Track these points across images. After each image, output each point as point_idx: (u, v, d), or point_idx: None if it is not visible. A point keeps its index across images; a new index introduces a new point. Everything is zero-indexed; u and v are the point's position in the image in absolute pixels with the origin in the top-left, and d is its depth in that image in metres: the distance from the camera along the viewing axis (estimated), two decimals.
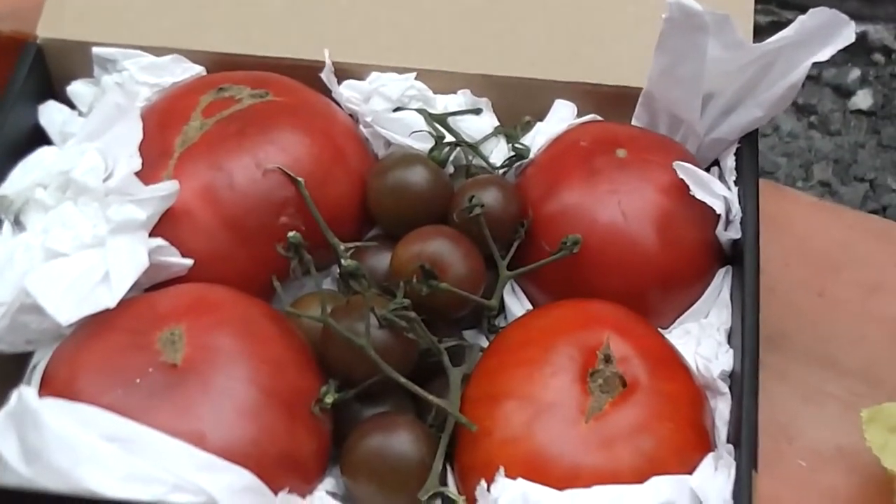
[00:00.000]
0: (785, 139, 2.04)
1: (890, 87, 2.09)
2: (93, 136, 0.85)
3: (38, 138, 0.90)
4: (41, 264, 0.79)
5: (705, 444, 0.77)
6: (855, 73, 2.09)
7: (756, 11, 0.87)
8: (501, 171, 0.89)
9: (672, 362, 0.79)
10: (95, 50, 0.92)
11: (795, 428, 0.84)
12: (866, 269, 0.92)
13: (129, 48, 0.92)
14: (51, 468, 0.72)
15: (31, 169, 0.85)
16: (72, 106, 0.93)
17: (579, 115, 0.91)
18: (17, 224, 0.83)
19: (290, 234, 0.80)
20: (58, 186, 0.83)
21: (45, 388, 0.76)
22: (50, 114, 0.92)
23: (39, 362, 0.79)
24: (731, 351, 0.81)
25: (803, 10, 1.99)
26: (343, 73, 0.91)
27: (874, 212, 1.96)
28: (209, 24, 0.93)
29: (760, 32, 0.85)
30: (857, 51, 2.11)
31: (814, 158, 2.02)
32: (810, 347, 0.88)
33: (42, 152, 0.87)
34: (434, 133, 0.89)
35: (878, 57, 2.11)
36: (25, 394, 0.74)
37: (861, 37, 2.09)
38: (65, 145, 0.87)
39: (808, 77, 2.04)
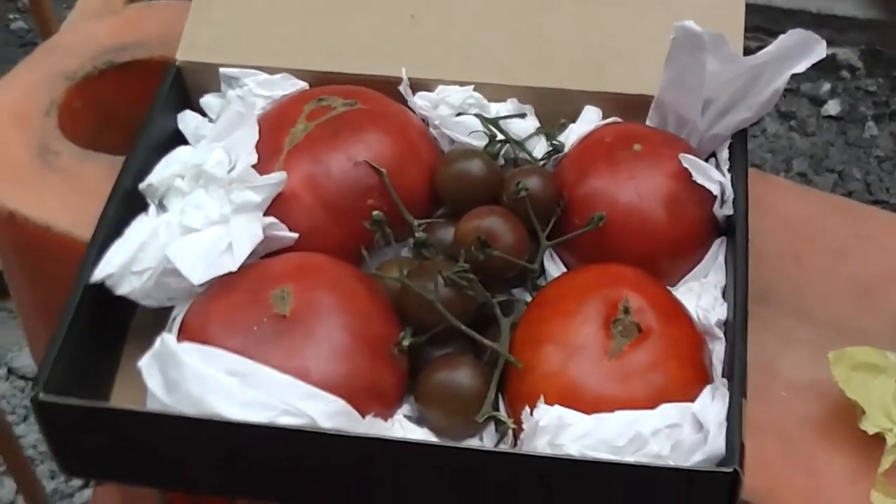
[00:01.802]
0: (770, 139, 2.02)
1: (855, 98, 2.06)
2: (220, 137, 0.85)
3: (177, 139, 0.90)
4: (179, 238, 0.79)
5: (704, 378, 0.75)
6: (826, 86, 2.07)
7: (747, 38, 0.85)
8: (542, 162, 0.88)
9: (678, 313, 0.78)
10: (222, 70, 0.91)
11: (778, 366, 0.82)
12: (834, 238, 0.90)
13: (248, 68, 0.91)
14: (187, 397, 0.72)
15: (172, 163, 0.84)
16: (204, 114, 0.92)
17: (604, 117, 0.89)
18: (161, 206, 0.83)
19: (375, 213, 0.79)
20: (192, 177, 0.83)
21: (183, 335, 0.76)
22: (186, 120, 0.91)
23: (178, 314, 0.79)
24: (725, 304, 0.80)
25: None
26: (416, 86, 0.90)
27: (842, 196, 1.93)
28: (311, 49, 0.92)
29: (749, 55, 0.84)
30: (828, 68, 2.08)
31: (793, 154, 2.00)
32: (790, 302, 0.86)
33: (180, 150, 0.86)
34: (488, 133, 0.87)
35: (845, 73, 2.09)
36: (167, 339, 0.74)
37: (832, 57, 2.08)
38: (198, 145, 0.87)
39: (789, 90, 2.03)
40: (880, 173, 1.97)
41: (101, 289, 0.79)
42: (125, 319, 0.83)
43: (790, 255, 0.89)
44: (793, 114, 2.04)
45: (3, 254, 0.98)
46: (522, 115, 0.89)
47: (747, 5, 0.91)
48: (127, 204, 0.83)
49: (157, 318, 0.80)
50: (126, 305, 0.80)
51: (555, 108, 0.89)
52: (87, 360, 0.78)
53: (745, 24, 0.91)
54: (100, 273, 0.78)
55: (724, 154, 0.86)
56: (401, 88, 0.89)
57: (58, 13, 1.37)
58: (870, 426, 0.77)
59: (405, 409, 0.77)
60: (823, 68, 2.08)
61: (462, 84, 0.89)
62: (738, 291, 0.77)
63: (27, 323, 1.06)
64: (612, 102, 0.89)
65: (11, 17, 2.25)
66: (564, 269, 0.84)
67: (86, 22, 1.07)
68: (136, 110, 0.91)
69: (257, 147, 0.83)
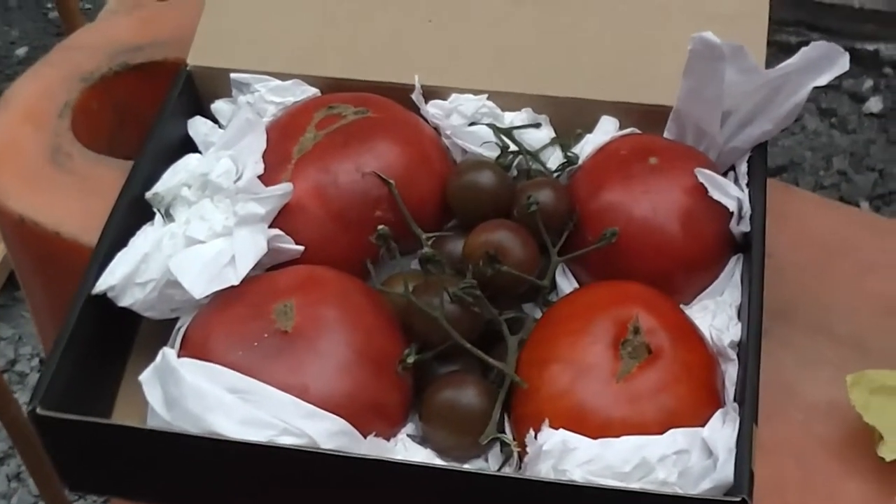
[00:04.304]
0: (810, 136, 1.99)
1: None
2: (227, 145, 0.83)
3: (188, 146, 0.88)
4: (182, 249, 0.78)
5: (716, 402, 0.73)
6: (869, 83, 2.03)
7: (788, 32, 0.83)
8: (556, 174, 0.86)
9: (690, 334, 0.76)
10: (233, 75, 0.90)
11: (796, 386, 0.80)
12: (857, 254, 0.88)
13: (260, 74, 0.90)
14: (186, 414, 0.71)
15: (179, 171, 0.83)
16: (215, 120, 0.91)
17: (621, 128, 0.87)
18: (168, 216, 0.82)
19: (380, 227, 0.78)
20: (199, 186, 0.81)
21: (184, 349, 0.75)
22: (197, 127, 0.89)
23: (182, 326, 0.78)
24: (740, 324, 0.77)
25: (827, 32, 1.94)
26: (429, 94, 0.88)
27: (882, 196, 1.90)
28: (323, 55, 0.91)
29: (790, 51, 0.81)
30: (871, 65, 2.05)
31: (834, 152, 1.97)
32: (810, 319, 0.84)
33: (188, 158, 0.84)
34: (501, 143, 0.86)
35: (888, 70, 2.05)
36: (167, 354, 0.73)
37: (874, 53, 2.04)
38: (206, 153, 0.85)
39: (830, 86, 2.00)
40: None
41: (105, 299, 0.78)
42: (131, 330, 0.82)
43: (812, 270, 0.87)
44: (833, 111, 2.01)
45: (15, 255, 0.98)
46: (537, 125, 0.87)
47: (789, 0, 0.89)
48: (134, 212, 0.82)
49: (164, 329, 0.79)
50: (132, 316, 0.79)
51: (571, 118, 0.87)
52: (89, 372, 0.77)
53: (787, 19, 0.89)
54: (102, 285, 0.77)
55: (743, 168, 0.83)
56: (413, 96, 0.88)
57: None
58: (888, 452, 0.75)
59: (409, 428, 0.76)
60: (866, 65, 2.04)
61: (476, 92, 0.88)
62: (752, 313, 0.75)
63: (40, 324, 1.06)
64: (630, 113, 0.87)
65: (49, 6, 2.25)
66: (577, 285, 0.82)
67: (104, 20, 1.06)
68: (152, 112, 0.89)
69: (266, 155, 0.82)
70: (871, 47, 2.04)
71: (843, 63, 0.80)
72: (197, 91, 0.91)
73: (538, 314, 0.80)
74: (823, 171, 1.95)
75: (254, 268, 0.77)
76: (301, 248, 0.79)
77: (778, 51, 0.82)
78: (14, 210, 0.90)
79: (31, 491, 1.61)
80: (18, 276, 1.02)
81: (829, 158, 1.97)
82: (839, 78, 2.00)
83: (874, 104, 2.02)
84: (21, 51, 2.15)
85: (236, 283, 0.76)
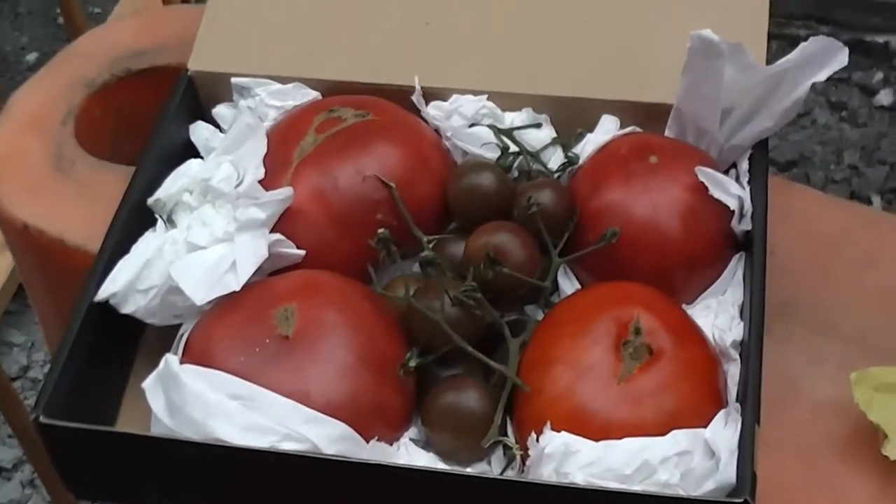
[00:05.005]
0: (820, 130, 1.98)
1: None
2: (228, 150, 0.83)
3: (189, 151, 0.88)
4: (184, 255, 0.78)
5: (718, 403, 0.73)
6: (879, 76, 2.02)
7: (797, 26, 0.83)
8: (557, 174, 0.86)
9: (692, 334, 0.75)
10: (234, 79, 0.90)
11: (800, 384, 0.80)
12: (860, 250, 0.87)
13: (260, 78, 0.90)
14: (189, 420, 0.71)
15: (181, 177, 0.83)
16: (216, 125, 0.91)
17: (622, 127, 0.87)
18: (170, 222, 0.82)
19: (380, 231, 0.78)
20: (200, 192, 0.81)
21: (186, 355, 0.75)
22: (198, 132, 0.89)
23: (185, 333, 0.78)
24: (742, 323, 0.77)
25: (836, 25, 1.93)
26: (429, 95, 0.88)
27: (894, 189, 1.89)
28: (323, 58, 0.90)
29: (800, 42, 0.81)
30: (881, 57, 2.04)
31: (844, 146, 1.96)
32: (813, 315, 0.84)
33: (189, 163, 0.84)
34: (501, 144, 0.85)
35: None
36: (170, 360, 0.73)
37: (884, 46, 2.03)
38: (207, 158, 0.85)
39: (840, 79, 2.00)
40: None
41: (107, 307, 0.78)
42: (134, 337, 0.82)
43: (815, 267, 0.86)
44: (844, 104, 2.00)
45: (20, 263, 0.98)
46: (538, 125, 0.87)
47: None
48: (136, 218, 0.82)
49: (168, 335, 0.79)
50: (135, 323, 0.79)
51: (572, 118, 0.87)
52: (93, 379, 0.77)
53: (795, 12, 0.88)
54: (104, 292, 0.77)
55: (744, 165, 0.83)
56: (413, 98, 0.87)
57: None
58: (892, 451, 0.74)
59: (412, 432, 0.75)
60: (876, 57, 2.03)
61: (476, 93, 0.87)
62: (753, 313, 0.74)
63: (48, 330, 1.06)
64: (631, 111, 0.86)
65: (59, 11, 2.26)
66: (579, 286, 0.82)
67: (106, 26, 1.06)
68: (155, 118, 0.89)
69: (266, 160, 0.82)
70: (881, 40, 2.04)
71: (842, 58, 0.79)
72: (198, 96, 0.91)
73: (540, 316, 0.80)
74: (834, 166, 1.94)
75: (255, 273, 0.77)
76: (302, 252, 0.79)
77: (787, 45, 0.82)
78: (18, 218, 0.90)
79: (44, 497, 1.62)
80: (24, 284, 1.02)
81: (840, 152, 1.96)
82: (849, 71, 1.99)
83: (885, 97, 2.01)
84: (31, 56, 2.16)
85: (237, 288, 0.76)
